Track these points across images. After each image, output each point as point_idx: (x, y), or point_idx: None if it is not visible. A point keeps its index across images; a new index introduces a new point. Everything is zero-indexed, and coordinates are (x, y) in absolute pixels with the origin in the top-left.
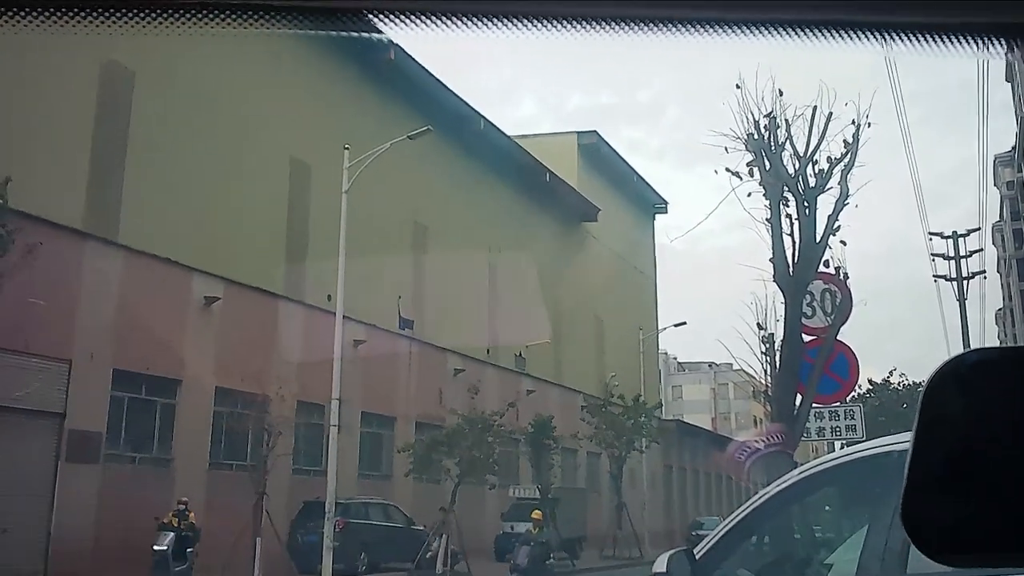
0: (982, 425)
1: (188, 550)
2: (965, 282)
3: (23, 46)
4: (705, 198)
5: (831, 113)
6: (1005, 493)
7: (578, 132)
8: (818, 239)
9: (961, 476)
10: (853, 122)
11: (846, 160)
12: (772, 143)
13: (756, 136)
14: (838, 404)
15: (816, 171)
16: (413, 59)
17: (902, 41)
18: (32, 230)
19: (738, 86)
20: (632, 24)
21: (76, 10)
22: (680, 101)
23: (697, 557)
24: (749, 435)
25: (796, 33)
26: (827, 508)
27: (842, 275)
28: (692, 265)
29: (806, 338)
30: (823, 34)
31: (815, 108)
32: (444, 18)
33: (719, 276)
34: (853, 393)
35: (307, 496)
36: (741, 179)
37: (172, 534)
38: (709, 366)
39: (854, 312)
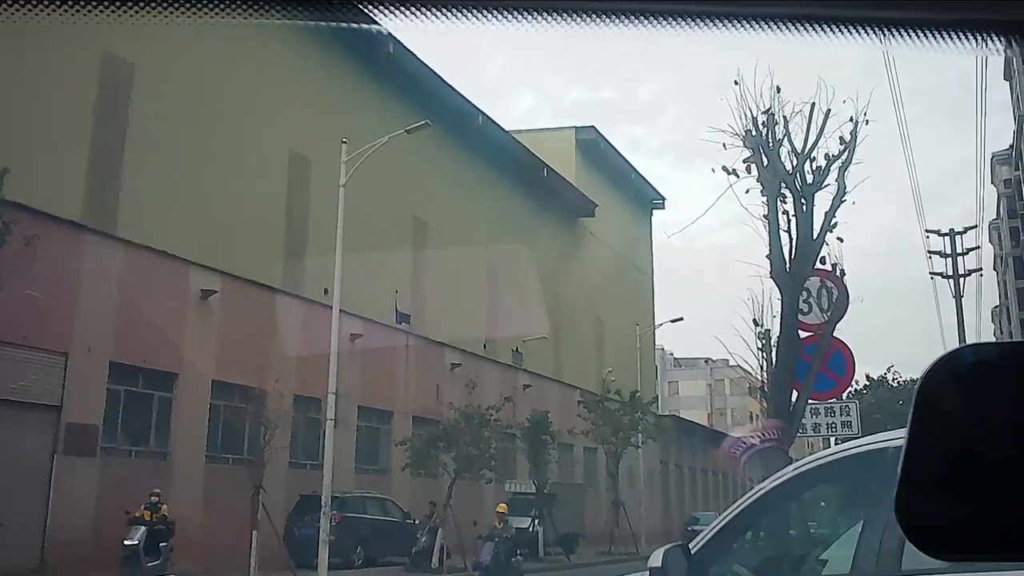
0: (977, 421)
1: (161, 544)
2: (962, 279)
3: (22, 38)
4: (703, 194)
5: (829, 110)
6: (1000, 489)
7: (576, 127)
8: (815, 236)
9: (956, 472)
10: (851, 119)
11: (844, 157)
12: (770, 140)
13: (754, 133)
14: (834, 400)
15: (814, 168)
16: (411, 53)
17: (900, 37)
18: (30, 222)
19: (736, 83)
20: (629, 18)
21: (74, 0)
22: (678, 97)
23: (692, 552)
24: (745, 431)
25: (794, 28)
26: (822, 504)
27: (839, 272)
28: (689, 261)
29: (802, 335)
30: (821, 29)
31: (813, 105)
32: (442, 10)
33: (716, 272)
34: (849, 389)
35: (304, 490)
36: (739, 176)
37: (144, 528)
38: (705, 362)
39: (850, 309)
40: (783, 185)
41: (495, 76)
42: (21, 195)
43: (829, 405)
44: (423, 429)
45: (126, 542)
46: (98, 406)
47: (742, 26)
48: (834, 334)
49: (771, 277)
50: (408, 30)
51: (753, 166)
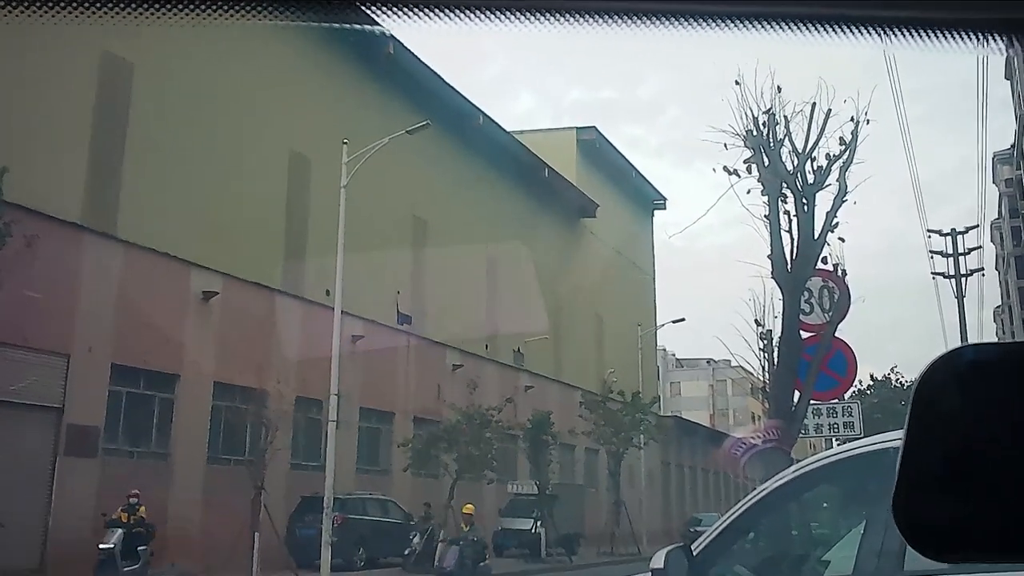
0: (975, 421)
1: (140, 548)
2: (963, 279)
3: (22, 38)
4: (704, 194)
5: (830, 110)
6: (999, 489)
7: (577, 128)
8: (816, 236)
9: (954, 472)
10: (852, 119)
11: (845, 157)
12: (771, 140)
13: (755, 133)
14: (836, 401)
15: (815, 168)
16: (412, 53)
17: (901, 36)
18: (30, 223)
19: (737, 83)
20: (630, 17)
21: (73, 0)
22: (679, 97)
23: (695, 553)
24: (747, 432)
25: (795, 28)
26: (824, 505)
27: (840, 272)
28: (691, 261)
29: (804, 335)
30: (822, 29)
31: (814, 105)
32: (442, 10)
33: (718, 273)
34: (852, 389)
35: (305, 491)
36: (740, 176)
37: (121, 531)
38: (707, 362)
39: (852, 309)
40: (784, 185)
41: (495, 76)
42: (21, 196)
43: (831, 405)
44: (424, 430)
45: (101, 545)
46: (99, 407)
47: (742, 25)
48: (836, 334)
49: (772, 277)
50: (408, 30)
51: (754, 166)
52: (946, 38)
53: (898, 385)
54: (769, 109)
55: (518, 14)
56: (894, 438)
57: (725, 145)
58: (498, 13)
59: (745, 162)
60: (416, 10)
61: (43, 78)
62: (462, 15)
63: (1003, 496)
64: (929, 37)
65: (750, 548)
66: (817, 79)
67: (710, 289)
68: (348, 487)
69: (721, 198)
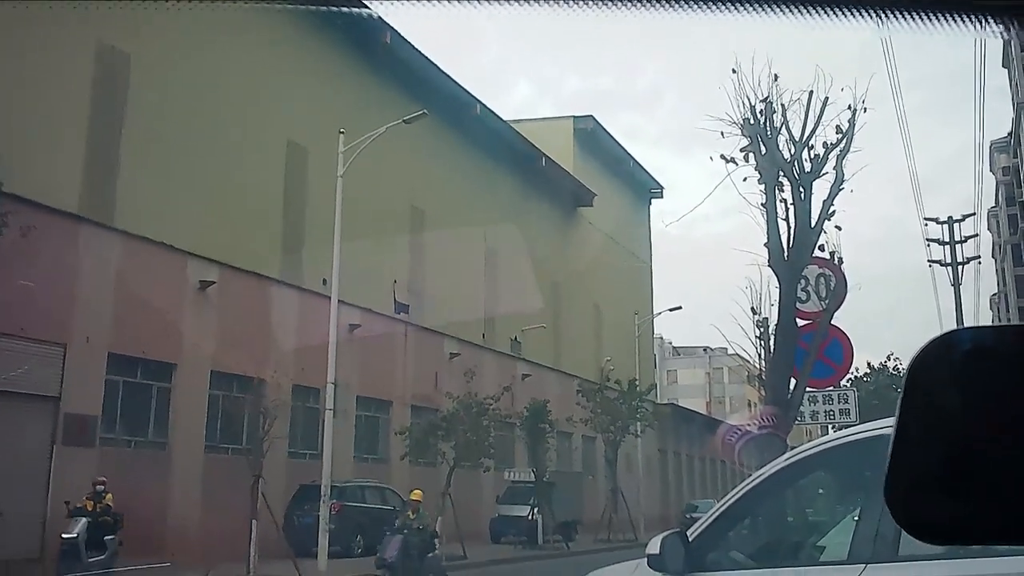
0: (968, 403)
1: (107, 538)
2: (960, 267)
3: (18, 29)
4: (701, 183)
5: (827, 98)
6: (994, 471)
7: (574, 117)
8: (813, 224)
9: (947, 455)
10: (849, 107)
11: (842, 145)
12: (768, 128)
13: (752, 121)
14: (832, 388)
15: (812, 156)
16: (408, 42)
17: (898, 19)
18: (27, 214)
19: (734, 71)
20: (626, 1)
21: None
22: (676, 86)
23: (690, 539)
24: (743, 419)
25: (792, 10)
26: (820, 491)
27: (837, 260)
28: (687, 250)
29: (800, 323)
30: (819, 11)
31: (811, 93)
32: None
33: (714, 261)
34: (849, 376)
35: (303, 479)
36: (737, 164)
37: (85, 520)
38: (704, 350)
39: (849, 297)
40: (781, 173)
41: (492, 65)
42: (18, 186)
43: (827, 393)
44: (422, 418)
45: (64, 535)
46: (97, 397)
47: (739, 7)
48: (832, 322)
49: (769, 265)
50: (404, 17)
51: (751, 154)
52: (943, 21)
53: (894, 372)
54: (766, 97)
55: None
56: (889, 425)
57: (722, 133)
58: None
59: (742, 150)
60: None
61: (40, 69)
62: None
63: (997, 478)
64: (926, 20)
65: (746, 534)
66: (814, 67)
67: (707, 277)
68: (346, 475)
69: (718, 186)
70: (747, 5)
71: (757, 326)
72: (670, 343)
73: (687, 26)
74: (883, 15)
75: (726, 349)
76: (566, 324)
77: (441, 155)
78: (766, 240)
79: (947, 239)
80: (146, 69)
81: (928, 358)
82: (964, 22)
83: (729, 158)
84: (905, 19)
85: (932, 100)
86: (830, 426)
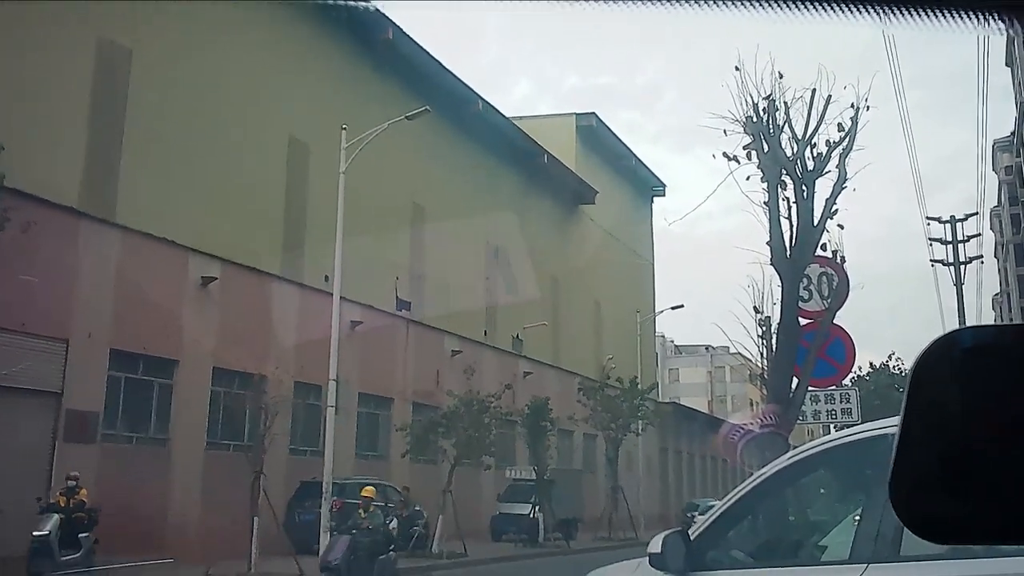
0: (972, 402)
1: (82, 535)
2: (962, 267)
3: (19, 24)
4: (703, 181)
5: (830, 96)
6: (997, 471)
7: (576, 114)
8: (816, 223)
9: (951, 455)
10: (852, 105)
11: (845, 144)
12: (771, 126)
13: (755, 119)
14: (834, 387)
15: (814, 154)
16: (410, 39)
17: (901, 16)
18: (28, 209)
19: (737, 68)
20: None
21: None
22: (679, 83)
23: (692, 538)
24: (745, 418)
25: (795, 7)
26: (821, 490)
27: (839, 259)
28: (690, 248)
29: (802, 322)
30: (822, 9)
31: (814, 91)
32: None
33: (716, 259)
34: (851, 376)
35: (304, 476)
36: (739, 162)
37: (57, 516)
38: (706, 349)
39: (851, 296)
40: (784, 172)
41: (494, 62)
42: (19, 182)
43: (829, 392)
44: (423, 415)
45: (35, 533)
46: (98, 393)
47: (740, 4)
48: (834, 321)
49: (771, 264)
50: (404, 11)
51: (754, 152)
52: (946, 18)
53: (896, 372)
54: (769, 95)
55: None
56: (891, 424)
57: (724, 131)
58: None
59: (745, 148)
60: None
61: (41, 64)
62: None
63: (1002, 478)
64: (929, 17)
65: (747, 533)
66: (817, 65)
67: (709, 275)
68: (347, 472)
69: (720, 185)
70: (749, 2)
71: (759, 325)
72: (672, 341)
73: (689, 23)
74: (886, 13)
75: (728, 348)
76: (567, 322)
77: (443, 152)
78: (768, 238)
79: (950, 238)
80: (147, 63)
81: (932, 358)
82: (967, 20)
83: (731, 156)
84: (908, 17)
85: (935, 99)
86: (832, 425)
